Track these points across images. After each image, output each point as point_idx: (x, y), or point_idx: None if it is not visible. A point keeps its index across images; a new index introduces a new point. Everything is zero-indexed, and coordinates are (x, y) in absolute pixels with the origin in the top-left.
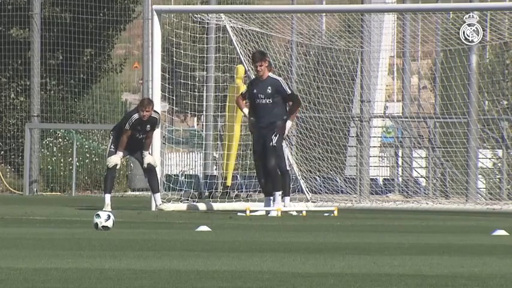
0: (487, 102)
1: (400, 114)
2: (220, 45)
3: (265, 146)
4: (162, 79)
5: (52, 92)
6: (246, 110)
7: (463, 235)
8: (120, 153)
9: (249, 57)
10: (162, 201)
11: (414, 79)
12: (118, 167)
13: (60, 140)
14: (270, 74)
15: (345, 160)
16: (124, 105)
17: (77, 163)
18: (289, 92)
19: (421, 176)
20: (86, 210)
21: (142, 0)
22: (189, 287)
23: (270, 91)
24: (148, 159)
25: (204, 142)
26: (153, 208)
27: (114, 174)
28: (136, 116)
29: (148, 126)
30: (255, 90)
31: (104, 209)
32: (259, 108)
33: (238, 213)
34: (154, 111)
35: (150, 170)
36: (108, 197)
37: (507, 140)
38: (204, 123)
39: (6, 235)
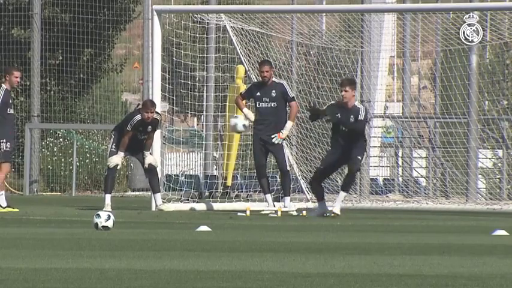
0: (487, 102)
1: (400, 114)
2: (220, 45)
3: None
4: (162, 79)
5: (52, 92)
6: (246, 110)
7: (463, 235)
8: (121, 154)
9: (249, 56)
10: (163, 201)
11: (414, 79)
12: (119, 167)
13: (60, 140)
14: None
15: None
16: (124, 105)
17: (77, 163)
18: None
19: (421, 176)
20: (86, 210)
21: (142, 0)
22: (189, 287)
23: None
24: (149, 159)
25: (204, 142)
26: (153, 208)
27: (114, 174)
28: (138, 117)
29: (150, 127)
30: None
31: (104, 209)
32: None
33: (239, 213)
34: (156, 113)
35: (150, 170)
36: (108, 197)
37: (507, 140)
38: (204, 123)
39: (6, 235)
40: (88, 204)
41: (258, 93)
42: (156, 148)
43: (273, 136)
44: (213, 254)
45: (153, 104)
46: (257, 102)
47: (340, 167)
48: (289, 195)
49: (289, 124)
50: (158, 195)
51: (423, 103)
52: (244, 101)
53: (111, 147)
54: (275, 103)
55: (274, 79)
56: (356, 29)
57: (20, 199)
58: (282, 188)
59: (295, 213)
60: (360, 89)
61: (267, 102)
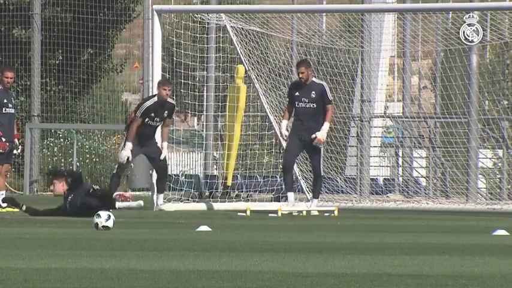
0: (487, 102)
1: (401, 114)
2: (221, 45)
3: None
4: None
5: (52, 92)
6: (284, 123)
7: (463, 235)
8: (129, 145)
9: (249, 56)
10: (164, 202)
11: (414, 79)
12: (130, 159)
13: (60, 140)
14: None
15: (346, 160)
16: (124, 105)
17: (78, 163)
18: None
19: (422, 176)
20: None
21: (142, 0)
22: (189, 287)
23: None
24: (166, 151)
25: (204, 142)
26: (155, 207)
27: (122, 173)
28: (149, 103)
29: (166, 112)
30: None
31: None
32: None
33: (239, 213)
34: (171, 97)
35: (162, 169)
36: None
37: (507, 139)
38: (204, 123)
39: (6, 235)
40: None
41: (297, 93)
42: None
43: (313, 141)
44: (213, 254)
45: (170, 83)
46: (296, 102)
47: None
48: (318, 198)
49: (326, 126)
50: (161, 196)
51: (423, 103)
52: (290, 110)
53: (122, 145)
54: (314, 104)
55: (314, 79)
56: (356, 29)
57: (20, 199)
58: (313, 190)
59: (316, 213)
60: (360, 88)
61: (305, 102)
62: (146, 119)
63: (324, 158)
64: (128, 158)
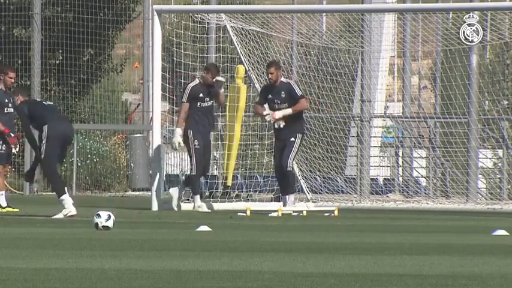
0: (487, 102)
1: (401, 114)
2: (221, 45)
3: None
4: (162, 79)
5: (52, 92)
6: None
7: (463, 235)
8: (178, 130)
9: (249, 56)
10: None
11: (414, 79)
12: (181, 144)
13: None
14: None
15: (346, 160)
16: (124, 105)
17: (78, 163)
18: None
19: (422, 176)
20: (87, 210)
21: (142, 0)
22: (189, 287)
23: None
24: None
25: None
26: (196, 207)
27: (199, 176)
28: (191, 84)
29: (213, 90)
30: None
31: (198, 210)
32: None
33: (239, 213)
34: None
35: (205, 170)
36: (197, 198)
37: (507, 139)
38: None
39: (6, 235)
40: (88, 204)
41: (270, 96)
42: (156, 146)
43: (265, 113)
44: (213, 254)
45: (218, 70)
46: (270, 105)
47: None
48: (291, 193)
49: (287, 110)
50: (197, 196)
51: (423, 103)
52: (262, 107)
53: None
54: (286, 104)
55: (282, 79)
56: (356, 29)
57: (20, 199)
58: (284, 187)
59: (293, 213)
60: (360, 88)
61: (278, 104)
62: (198, 103)
63: (324, 158)
64: (179, 144)
